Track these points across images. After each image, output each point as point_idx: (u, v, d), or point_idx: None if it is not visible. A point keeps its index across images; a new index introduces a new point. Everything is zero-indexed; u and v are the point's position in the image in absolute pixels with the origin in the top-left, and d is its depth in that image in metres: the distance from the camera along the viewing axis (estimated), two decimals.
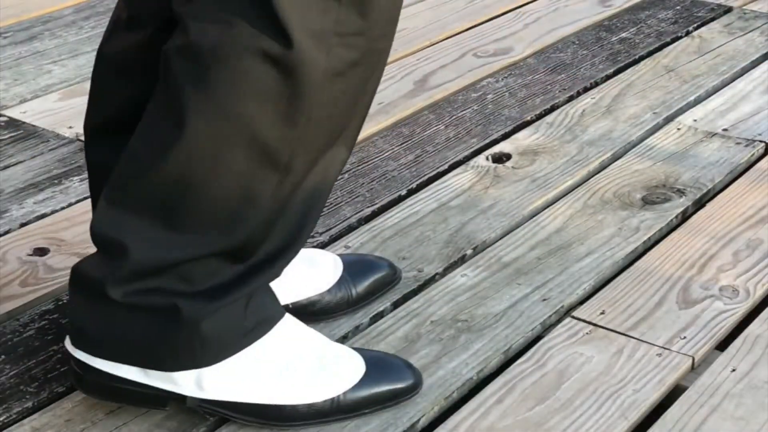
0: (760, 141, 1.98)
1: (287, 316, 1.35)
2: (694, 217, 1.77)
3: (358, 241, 1.69)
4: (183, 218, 1.25)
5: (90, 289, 1.30)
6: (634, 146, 1.97)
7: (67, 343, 1.34)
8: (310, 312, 1.45)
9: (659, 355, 1.47)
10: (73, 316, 1.35)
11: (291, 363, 1.32)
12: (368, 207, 1.78)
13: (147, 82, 1.27)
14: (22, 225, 1.72)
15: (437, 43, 2.36)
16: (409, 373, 1.38)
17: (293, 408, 1.32)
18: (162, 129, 1.23)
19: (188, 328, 1.27)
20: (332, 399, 1.33)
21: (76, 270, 1.32)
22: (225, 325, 1.28)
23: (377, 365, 1.37)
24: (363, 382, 1.35)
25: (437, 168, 1.89)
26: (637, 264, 1.66)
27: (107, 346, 1.31)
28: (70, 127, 2.00)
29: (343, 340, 1.48)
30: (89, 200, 1.77)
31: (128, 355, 1.31)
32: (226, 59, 1.18)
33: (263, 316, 1.32)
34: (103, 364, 1.31)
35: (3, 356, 1.45)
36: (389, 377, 1.36)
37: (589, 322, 1.53)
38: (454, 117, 2.06)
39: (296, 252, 1.33)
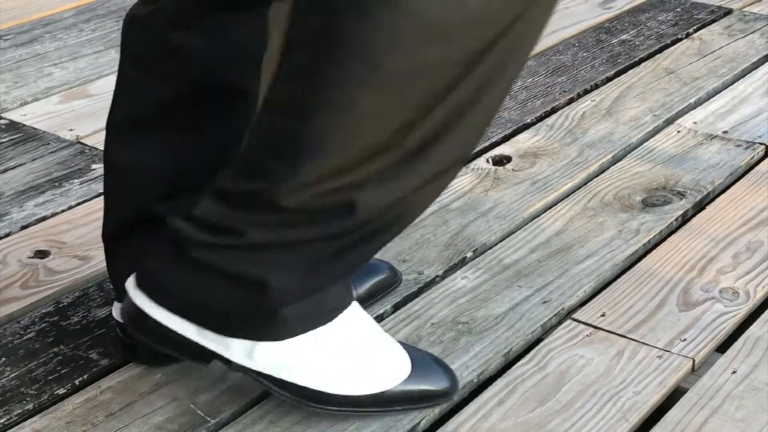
0: (760, 143, 1.98)
1: (354, 304, 1.34)
2: (695, 219, 1.77)
3: None
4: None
5: (176, 242, 1.26)
6: (634, 148, 1.97)
7: (129, 283, 1.31)
8: None
9: (659, 357, 1.47)
10: (146, 259, 1.31)
11: (342, 352, 1.32)
12: None
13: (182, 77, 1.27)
14: (23, 227, 1.73)
15: None
16: (445, 378, 1.38)
17: (332, 394, 1.32)
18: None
19: (269, 306, 1.26)
20: (373, 394, 1.34)
21: (170, 223, 1.27)
22: (304, 310, 1.27)
23: (420, 366, 1.37)
24: (404, 381, 1.35)
25: None
26: (637, 266, 1.66)
27: (171, 298, 1.29)
28: (71, 130, 2.00)
29: None
30: (90, 203, 1.78)
31: (190, 312, 1.28)
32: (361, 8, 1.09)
33: (333, 304, 1.31)
34: (160, 313, 1.29)
35: (3, 358, 1.45)
36: (428, 379, 1.37)
37: (590, 324, 1.53)
38: None
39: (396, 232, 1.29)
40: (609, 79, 2.23)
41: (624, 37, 2.41)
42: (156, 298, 1.29)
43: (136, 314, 1.30)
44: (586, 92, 2.18)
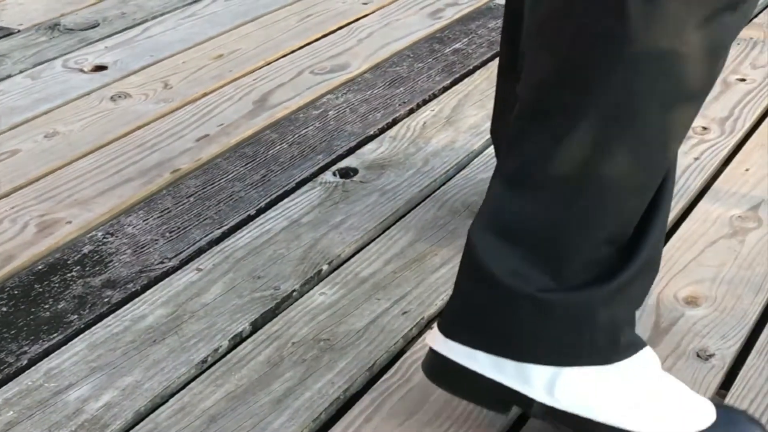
0: None
1: (648, 347, 1.26)
2: None
3: (210, 263, 1.64)
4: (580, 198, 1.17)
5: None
6: (477, 155, 1.98)
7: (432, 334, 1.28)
8: None
9: None
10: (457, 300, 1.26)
11: (652, 393, 1.23)
12: (217, 228, 1.73)
13: None
14: None
15: (272, 62, 2.33)
16: (756, 428, 1.28)
17: None
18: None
19: (581, 313, 1.19)
20: None
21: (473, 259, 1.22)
22: (613, 322, 1.20)
23: (726, 415, 1.27)
24: (712, 428, 1.25)
25: (285, 186, 1.86)
26: None
27: (468, 330, 1.24)
28: None
29: (202, 364, 1.44)
30: None
31: (487, 340, 1.23)
32: None
33: (634, 339, 1.24)
34: (458, 353, 1.24)
35: None
36: (736, 429, 1.27)
37: None
38: (297, 135, 2.03)
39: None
40: (446, 89, 2.23)
41: (457, 45, 2.42)
42: (452, 334, 1.25)
43: (434, 360, 1.28)
44: (425, 102, 2.17)
